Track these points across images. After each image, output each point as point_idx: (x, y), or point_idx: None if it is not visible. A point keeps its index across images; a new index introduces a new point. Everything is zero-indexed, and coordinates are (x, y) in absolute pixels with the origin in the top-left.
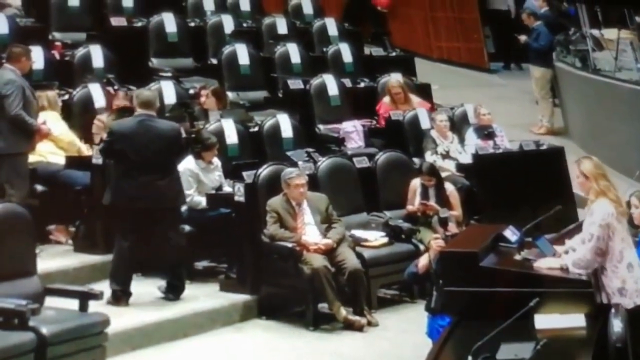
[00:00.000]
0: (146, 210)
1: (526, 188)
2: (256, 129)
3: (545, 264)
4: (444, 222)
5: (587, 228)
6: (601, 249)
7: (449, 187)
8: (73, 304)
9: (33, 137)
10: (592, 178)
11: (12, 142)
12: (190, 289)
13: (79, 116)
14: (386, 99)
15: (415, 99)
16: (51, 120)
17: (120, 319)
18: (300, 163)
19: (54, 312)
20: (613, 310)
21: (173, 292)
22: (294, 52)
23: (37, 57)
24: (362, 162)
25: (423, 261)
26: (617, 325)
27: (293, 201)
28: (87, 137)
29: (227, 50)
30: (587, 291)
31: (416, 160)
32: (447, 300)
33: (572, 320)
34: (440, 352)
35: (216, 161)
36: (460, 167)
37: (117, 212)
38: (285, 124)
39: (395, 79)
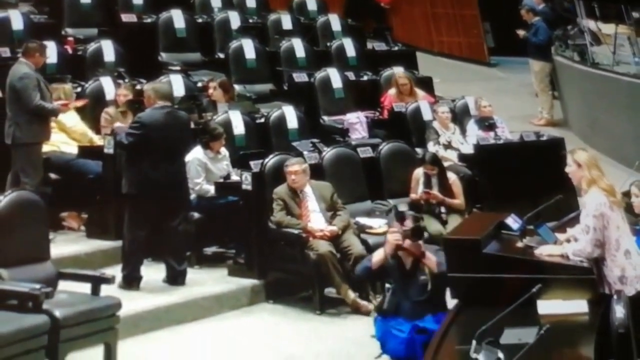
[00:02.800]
0: (170, 198)
1: (527, 178)
2: (262, 120)
3: (546, 251)
4: (401, 217)
5: (583, 220)
6: (599, 240)
7: (452, 176)
8: (85, 288)
9: (50, 123)
10: (585, 166)
11: (27, 132)
12: (200, 274)
13: (90, 108)
14: (392, 91)
15: (420, 92)
16: (64, 112)
17: (132, 303)
18: (305, 153)
19: (67, 296)
20: (615, 296)
21: (179, 278)
22: (298, 47)
23: (51, 52)
24: (366, 152)
25: (377, 256)
26: (619, 311)
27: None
28: (98, 128)
29: (233, 45)
30: (589, 278)
31: (419, 150)
32: (452, 286)
33: (575, 306)
34: (444, 336)
35: (224, 151)
36: (462, 157)
37: (138, 202)
38: (290, 115)
39: (402, 71)
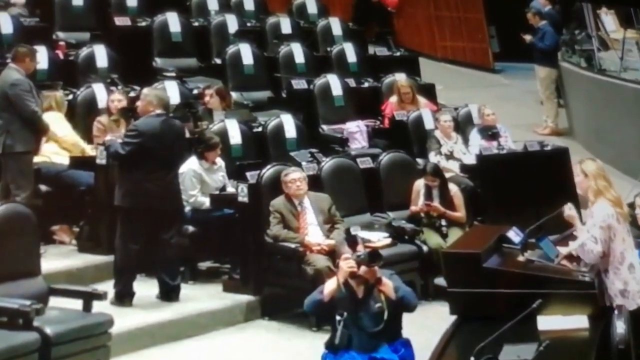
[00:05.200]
0: (164, 210)
1: (530, 189)
2: (260, 129)
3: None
4: (353, 242)
5: (590, 230)
6: (604, 251)
7: (453, 188)
8: (77, 304)
9: (41, 136)
10: (592, 177)
11: (19, 140)
12: (194, 290)
13: (82, 116)
14: (393, 99)
15: (422, 100)
16: (56, 121)
17: (124, 319)
18: (303, 163)
19: (58, 312)
20: (616, 312)
21: (172, 294)
22: (297, 52)
23: (41, 57)
24: (365, 163)
25: (330, 287)
26: (620, 326)
27: (295, 200)
28: (90, 138)
29: (231, 50)
30: (590, 292)
31: (420, 160)
32: (451, 301)
33: (575, 321)
34: (442, 352)
35: (220, 161)
36: (464, 167)
37: (131, 214)
38: (289, 124)
39: (405, 78)
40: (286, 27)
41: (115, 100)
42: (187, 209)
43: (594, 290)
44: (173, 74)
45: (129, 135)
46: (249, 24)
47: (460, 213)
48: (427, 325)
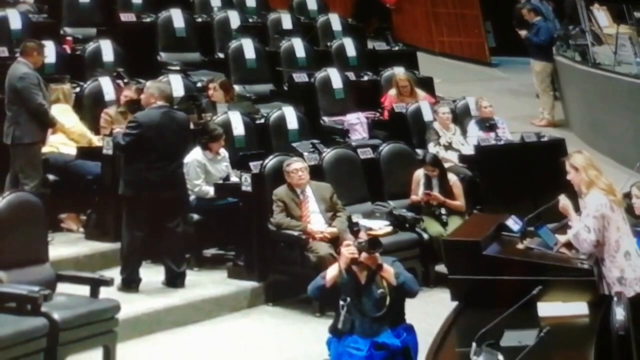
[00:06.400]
0: (168, 199)
1: (528, 179)
2: (262, 120)
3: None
4: (355, 229)
5: (583, 220)
6: (598, 240)
7: (452, 178)
8: (84, 290)
9: (47, 129)
10: (582, 169)
11: (27, 132)
12: (199, 276)
13: (89, 108)
14: (392, 92)
15: (421, 93)
16: (63, 113)
17: (131, 305)
18: (305, 154)
19: (66, 298)
20: (615, 298)
21: (178, 280)
22: (298, 47)
23: (49, 51)
24: (366, 153)
25: (332, 272)
26: (619, 313)
27: (297, 189)
28: (97, 129)
29: (233, 44)
30: (589, 279)
31: (419, 151)
32: (452, 288)
33: (575, 308)
34: (444, 338)
35: (223, 152)
36: (463, 158)
37: (134, 203)
38: (290, 116)
39: (403, 72)
40: (287, 22)
41: (128, 96)
42: (192, 197)
43: (592, 278)
44: (177, 68)
45: (128, 127)
46: (250, 20)
47: (459, 202)
48: (429, 311)
